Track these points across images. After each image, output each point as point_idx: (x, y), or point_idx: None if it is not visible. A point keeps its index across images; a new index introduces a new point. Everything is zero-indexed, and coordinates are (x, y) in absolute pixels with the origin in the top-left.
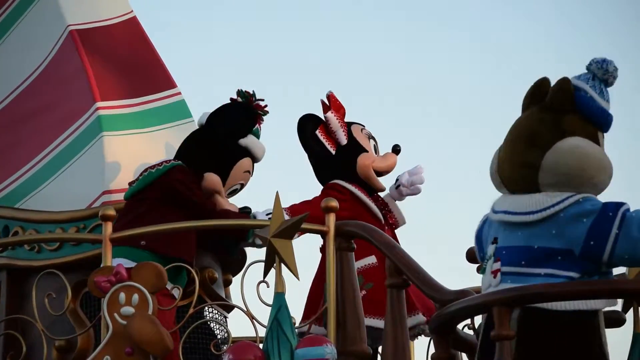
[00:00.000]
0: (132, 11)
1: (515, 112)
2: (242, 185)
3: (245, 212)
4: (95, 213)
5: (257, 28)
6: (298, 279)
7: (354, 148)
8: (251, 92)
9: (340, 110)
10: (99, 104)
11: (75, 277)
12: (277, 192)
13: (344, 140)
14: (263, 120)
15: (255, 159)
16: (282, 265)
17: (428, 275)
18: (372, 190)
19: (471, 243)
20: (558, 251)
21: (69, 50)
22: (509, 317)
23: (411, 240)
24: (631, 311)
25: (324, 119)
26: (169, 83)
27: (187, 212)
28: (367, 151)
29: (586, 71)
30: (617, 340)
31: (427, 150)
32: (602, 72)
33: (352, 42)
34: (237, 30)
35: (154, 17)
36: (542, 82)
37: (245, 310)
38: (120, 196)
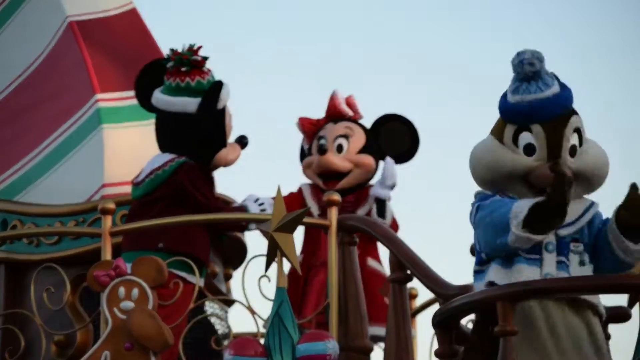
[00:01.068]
0: (131, 2)
1: None
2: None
3: (243, 142)
4: (94, 206)
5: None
6: (300, 273)
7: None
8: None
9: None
10: (99, 95)
11: (74, 271)
12: (278, 186)
13: (306, 146)
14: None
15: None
16: (284, 259)
17: (431, 269)
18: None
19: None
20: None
21: (68, 41)
22: (512, 312)
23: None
24: (637, 306)
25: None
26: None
27: (196, 210)
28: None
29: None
30: (623, 336)
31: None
32: (513, 67)
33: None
34: (239, 20)
35: (153, 8)
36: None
37: (247, 305)
38: (119, 189)
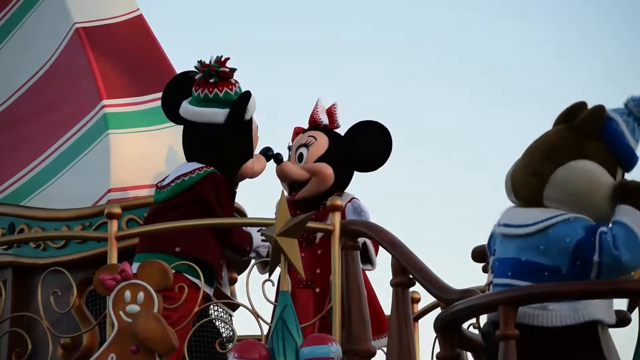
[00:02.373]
0: (138, 9)
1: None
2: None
3: (268, 154)
4: (100, 211)
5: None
6: (303, 277)
7: None
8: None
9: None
10: (105, 101)
11: (80, 274)
12: (282, 191)
13: None
14: (229, 79)
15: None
16: (288, 263)
17: (433, 274)
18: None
19: (476, 242)
20: (545, 267)
21: (75, 48)
22: (514, 316)
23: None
24: (636, 311)
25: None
26: None
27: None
28: None
29: (624, 107)
30: (623, 340)
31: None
32: (639, 111)
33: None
34: (244, 28)
35: (160, 15)
36: (579, 106)
37: (251, 308)
38: (125, 194)
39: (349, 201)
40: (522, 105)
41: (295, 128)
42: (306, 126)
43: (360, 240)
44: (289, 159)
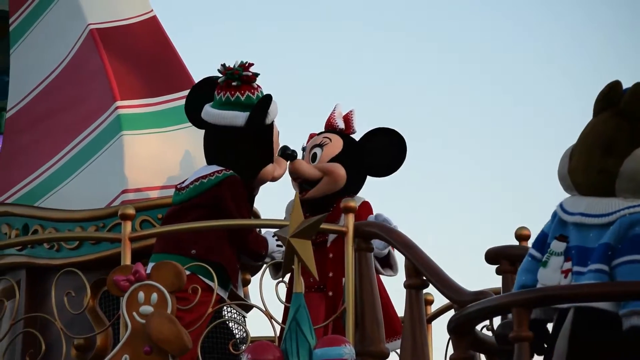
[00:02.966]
0: (152, 10)
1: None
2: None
3: (286, 153)
4: (114, 212)
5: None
6: (317, 278)
7: None
8: (228, 69)
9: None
10: (119, 103)
11: (94, 275)
12: (296, 193)
13: None
14: (252, 84)
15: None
16: (301, 265)
17: (447, 275)
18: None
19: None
20: (611, 247)
21: (89, 49)
22: (528, 318)
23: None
24: None
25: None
26: (188, 82)
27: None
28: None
29: None
30: None
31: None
32: None
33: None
34: (259, 30)
35: (174, 16)
36: (615, 86)
37: (264, 309)
38: (139, 195)
39: (363, 206)
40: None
41: (310, 134)
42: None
43: (385, 251)
44: (290, 157)
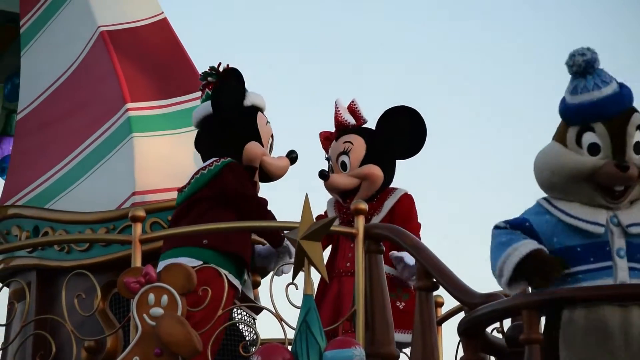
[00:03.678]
0: (162, 12)
1: None
2: (272, 137)
3: (293, 156)
4: (124, 214)
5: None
6: (327, 280)
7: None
8: (213, 68)
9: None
10: (129, 105)
11: (104, 277)
12: (306, 194)
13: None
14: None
15: (263, 110)
16: (311, 267)
17: (457, 278)
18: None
19: None
20: None
21: (100, 51)
22: (538, 320)
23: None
24: None
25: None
26: (198, 84)
27: (240, 209)
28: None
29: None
30: None
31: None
32: (567, 67)
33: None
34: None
35: (184, 18)
36: None
37: (274, 312)
38: (149, 197)
39: (405, 198)
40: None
41: (321, 133)
42: (331, 129)
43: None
44: (330, 169)
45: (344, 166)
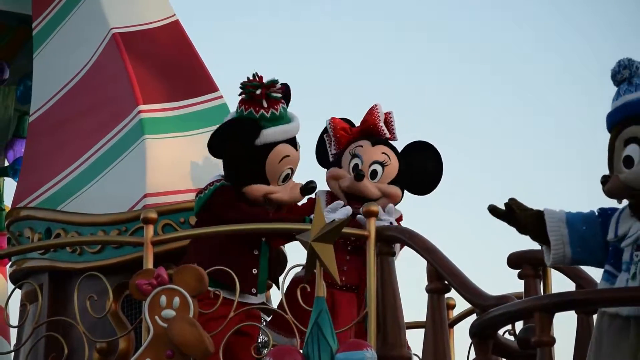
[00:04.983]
0: (174, 15)
1: None
2: (292, 169)
3: (311, 186)
4: (136, 216)
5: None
6: (339, 282)
7: (334, 161)
8: (256, 80)
9: (345, 128)
10: (141, 107)
11: (116, 279)
12: (317, 196)
13: (332, 150)
14: (276, 99)
15: (288, 141)
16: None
17: (469, 280)
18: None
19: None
20: None
21: (112, 53)
22: (550, 322)
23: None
24: None
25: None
26: (211, 87)
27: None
28: (339, 167)
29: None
30: None
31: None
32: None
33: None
34: (280, 34)
35: (196, 20)
36: None
37: (286, 313)
38: (161, 199)
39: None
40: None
41: (337, 121)
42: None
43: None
44: (359, 176)
45: (374, 175)
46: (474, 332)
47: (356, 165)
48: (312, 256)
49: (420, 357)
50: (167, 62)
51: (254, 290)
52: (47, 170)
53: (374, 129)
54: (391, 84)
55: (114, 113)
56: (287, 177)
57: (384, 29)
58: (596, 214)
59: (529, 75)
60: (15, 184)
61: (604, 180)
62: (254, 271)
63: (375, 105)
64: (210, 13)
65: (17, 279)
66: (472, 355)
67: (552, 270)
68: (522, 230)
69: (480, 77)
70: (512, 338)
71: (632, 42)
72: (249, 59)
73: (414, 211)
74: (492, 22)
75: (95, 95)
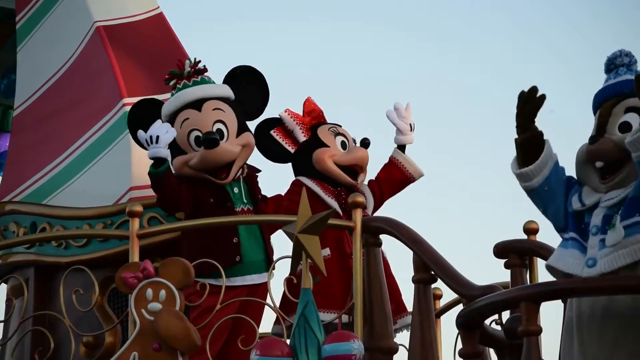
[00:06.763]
0: (158, 7)
1: None
2: (222, 122)
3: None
4: (122, 209)
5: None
6: (325, 274)
7: (312, 144)
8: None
9: (312, 112)
10: (126, 100)
11: (102, 273)
12: (303, 189)
13: (301, 137)
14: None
15: (191, 106)
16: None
17: (455, 270)
18: (338, 184)
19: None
20: None
21: (96, 46)
22: (536, 312)
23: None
24: None
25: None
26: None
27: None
28: (326, 146)
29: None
30: None
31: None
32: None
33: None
34: (266, 26)
35: (180, 12)
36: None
37: (273, 305)
38: (147, 192)
39: None
40: None
41: (294, 112)
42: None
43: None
44: (367, 144)
45: (345, 146)
46: (460, 322)
47: (343, 142)
48: (299, 248)
49: (407, 347)
50: (151, 54)
51: (237, 258)
52: (32, 164)
53: (320, 116)
54: (391, 84)
55: (99, 106)
56: (214, 134)
57: (382, 29)
58: (564, 178)
59: (529, 75)
60: (0, 178)
61: (593, 140)
62: (235, 240)
63: (308, 97)
64: (194, 5)
65: (2, 273)
66: (460, 345)
67: (539, 259)
68: (528, 125)
69: (480, 77)
70: (499, 328)
71: (632, 43)
72: (234, 53)
73: (400, 201)
74: (492, 22)
75: (80, 88)
